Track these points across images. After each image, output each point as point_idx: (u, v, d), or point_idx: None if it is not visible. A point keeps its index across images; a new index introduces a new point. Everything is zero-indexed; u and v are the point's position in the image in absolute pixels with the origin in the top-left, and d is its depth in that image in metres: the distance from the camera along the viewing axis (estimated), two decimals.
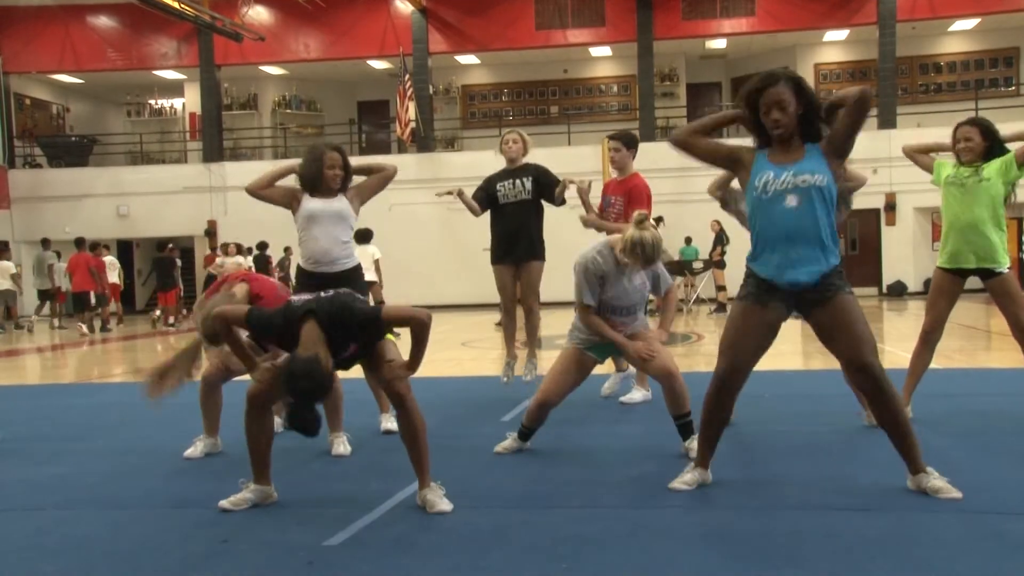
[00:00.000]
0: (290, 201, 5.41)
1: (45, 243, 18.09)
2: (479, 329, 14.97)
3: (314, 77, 24.86)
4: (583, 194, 6.46)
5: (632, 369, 6.65)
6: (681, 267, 18.48)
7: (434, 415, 6.28)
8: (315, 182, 5.32)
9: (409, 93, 21.53)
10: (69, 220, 22.11)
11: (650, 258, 4.66)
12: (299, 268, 5.59)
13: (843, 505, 3.83)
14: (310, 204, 5.34)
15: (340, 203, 5.36)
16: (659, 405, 4.94)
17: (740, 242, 7.41)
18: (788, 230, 3.83)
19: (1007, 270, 5.41)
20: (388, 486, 4.29)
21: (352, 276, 5.41)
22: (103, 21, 23.52)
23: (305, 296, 3.98)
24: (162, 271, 18.65)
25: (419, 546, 3.47)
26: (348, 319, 3.82)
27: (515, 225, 6.76)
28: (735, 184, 5.21)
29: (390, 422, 5.69)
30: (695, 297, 19.31)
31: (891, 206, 21.06)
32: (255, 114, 25.50)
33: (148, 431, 6.07)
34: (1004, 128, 5.57)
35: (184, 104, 26.08)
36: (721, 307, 16.93)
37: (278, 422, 5.38)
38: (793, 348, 10.13)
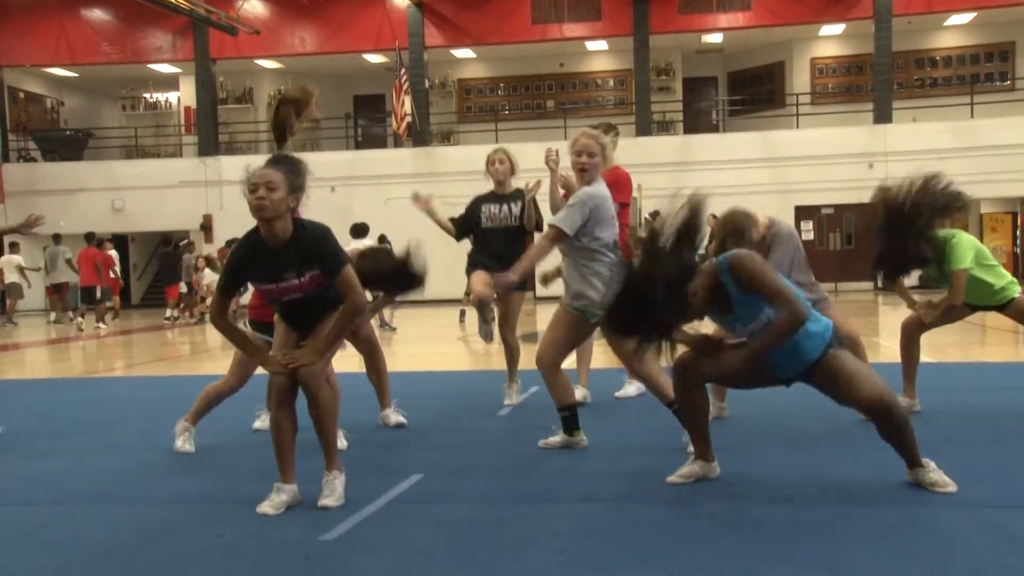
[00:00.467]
0: None
1: (56, 238, 17.99)
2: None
3: (310, 71, 24.77)
4: (552, 163, 6.21)
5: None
6: None
7: (430, 409, 6.33)
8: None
9: (405, 87, 21.51)
10: (63, 214, 21.99)
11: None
12: None
13: (840, 499, 3.84)
14: None
15: None
16: (655, 400, 4.94)
17: None
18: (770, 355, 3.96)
19: (1018, 295, 5.52)
20: (384, 481, 4.29)
21: None
22: (98, 14, 23.47)
23: None
24: (167, 266, 18.62)
25: (415, 541, 3.47)
26: (324, 240, 3.91)
27: (499, 251, 6.37)
28: None
29: (398, 415, 5.81)
30: None
31: None
32: (251, 108, 25.45)
33: (145, 426, 6.08)
34: (998, 124, 5.57)
35: (179, 98, 26.05)
36: None
37: (261, 424, 5.41)
38: None
